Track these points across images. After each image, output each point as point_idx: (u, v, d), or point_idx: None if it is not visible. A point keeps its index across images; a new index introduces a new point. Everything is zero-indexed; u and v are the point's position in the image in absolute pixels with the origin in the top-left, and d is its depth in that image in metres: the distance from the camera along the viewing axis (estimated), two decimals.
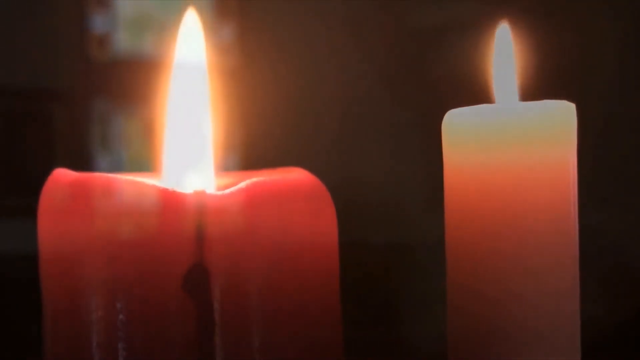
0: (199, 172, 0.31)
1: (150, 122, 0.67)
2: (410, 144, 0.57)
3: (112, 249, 0.28)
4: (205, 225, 0.28)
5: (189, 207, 0.28)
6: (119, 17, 0.75)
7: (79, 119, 0.71)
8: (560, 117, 0.30)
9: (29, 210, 0.63)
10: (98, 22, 0.75)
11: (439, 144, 0.31)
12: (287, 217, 0.29)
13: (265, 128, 0.49)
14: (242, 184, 0.29)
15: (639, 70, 0.57)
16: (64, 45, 0.71)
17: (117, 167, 0.69)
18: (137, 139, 0.70)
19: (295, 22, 0.57)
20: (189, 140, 0.31)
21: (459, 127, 0.31)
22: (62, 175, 0.30)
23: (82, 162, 0.66)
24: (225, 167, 0.32)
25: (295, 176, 0.30)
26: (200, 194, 0.28)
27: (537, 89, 0.33)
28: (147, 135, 0.67)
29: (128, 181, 0.29)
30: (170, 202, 0.28)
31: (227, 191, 0.29)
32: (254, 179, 0.29)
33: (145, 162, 0.69)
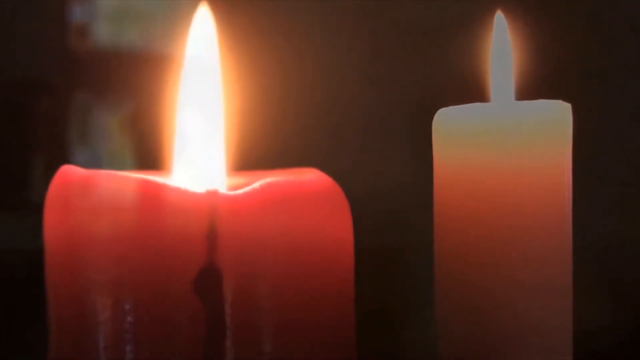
0: (209, 171, 0.30)
1: (131, 115, 0.66)
2: (401, 143, 0.57)
3: (121, 249, 0.27)
4: (217, 226, 0.27)
5: (201, 206, 0.27)
6: (99, 7, 0.74)
7: (57, 111, 0.70)
8: (556, 117, 0.29)
9: (2, 204, 0.62)
10: (78, 12, 0.73)
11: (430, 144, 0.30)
12: (302, 219, 0.28)
13: (255, 128, 0.48)
14: (256, 185, 0.28)
15: (638, 70, 0.57)
16: (42, 36, 0.69)
17: (96, 161, 0.68)
18: (118, 132, 0.69)
19: (279, 19, 0.56)
20: (200, 139, 0.30)
21: (450, 126, 0.30)
22: (69, 172, 0.29)
23: (60, 155, 0.65)
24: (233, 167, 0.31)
25: (310, 177, 0.29)
26: (213, 194, 0.28)
27: (533, 88, 0.33)
28: (128, 129, 0.66)
29: (138, 179, 0.28)
30: (182, 201, 0.28)
31: (241, 191, 0.28)
32: (268, 180, 0.28)
33: (125, 157, 0.68)
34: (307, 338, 0.28)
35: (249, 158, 0.34)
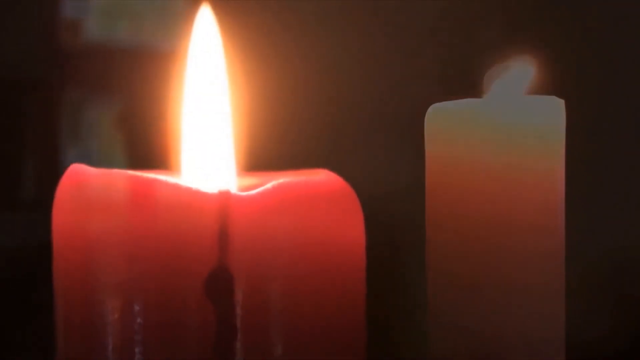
0: (220, 171, 0.30)
1: (122, 112, 0.65)
2: (395, 139, 0.56)
3: (130, 250, 0.27)
4: (229, 227, 0.27)
5: (213, 207, 0.27)
6: (91, 3, 0.73)
7: (48, 108, 0.69)
8: (549, 112, 0.29)
9: None
10: (69, 7, 0.73)
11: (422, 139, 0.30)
12: (314, 220, 0.28)
13: (262, 128, 0.48)
14: (269, 185, 0.28)
15: (633, 67, 0.57)
16: (32, 31, 0.68)
17: (88, 158, 0.67)
18: (110, 129, 0.68)
19: (280, 19, 0.56)
20: (209, 139, 0.30)
21: (442, 121, 0.29)
22: (79, 171, 0.28)
23: (51, 152, 0.65)
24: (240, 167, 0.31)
25: (322, 178, 0.29)
26: (226, 194, 0.27)
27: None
28: (121, 126, 0.65)
29: (149, 179, 0.27)
30: (193, 201, 0.27)
31: (253, 192, 0.28)
32: (280, 180, 0.28)
33: (116, 154, 0.67)
34: (318, 340, 0.28)
35: (257, 159, 0.34)
